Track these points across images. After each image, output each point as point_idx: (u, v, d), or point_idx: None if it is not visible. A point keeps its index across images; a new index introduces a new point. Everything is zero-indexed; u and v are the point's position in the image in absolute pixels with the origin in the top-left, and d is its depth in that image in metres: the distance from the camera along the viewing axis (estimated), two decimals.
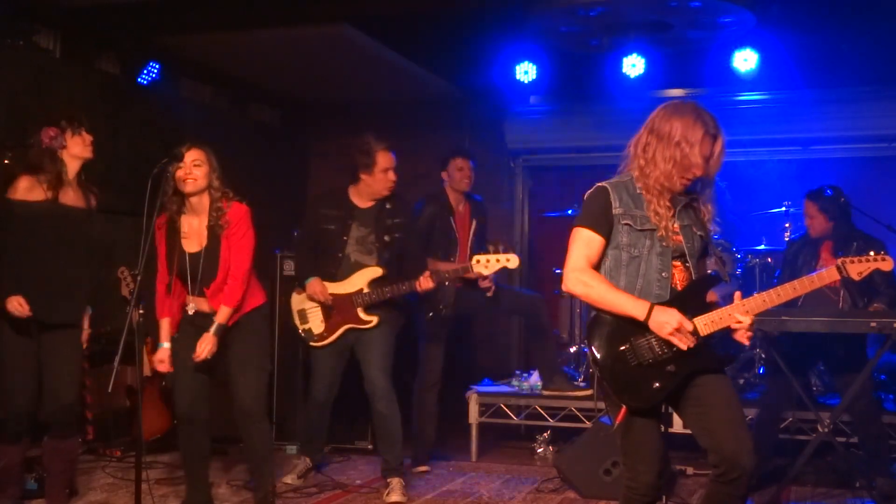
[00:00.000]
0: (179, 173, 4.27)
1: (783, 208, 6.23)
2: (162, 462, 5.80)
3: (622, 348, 3.13)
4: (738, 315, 3.13)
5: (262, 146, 8.05)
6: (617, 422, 3.16)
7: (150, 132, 6.68)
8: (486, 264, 4.96)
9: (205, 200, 4.36)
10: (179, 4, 6.13)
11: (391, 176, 5.17)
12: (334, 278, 5.16)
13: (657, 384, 3.12)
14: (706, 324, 3.13)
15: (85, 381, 5.95)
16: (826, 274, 3.36)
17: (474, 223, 6.04)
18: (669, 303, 3.15)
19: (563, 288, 3.24)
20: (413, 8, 6.24)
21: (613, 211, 3.19)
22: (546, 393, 6.15)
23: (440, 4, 6.24)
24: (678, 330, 3.06)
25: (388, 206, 5.23)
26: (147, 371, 5.98)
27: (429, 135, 8.34)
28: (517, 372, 6.64)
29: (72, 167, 4.40)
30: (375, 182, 5.16)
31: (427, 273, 5.06)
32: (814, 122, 7.39)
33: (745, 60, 6.89)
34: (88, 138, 4.43)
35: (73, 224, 4.40)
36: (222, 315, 4.35)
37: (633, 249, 3.19)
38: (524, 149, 8.37)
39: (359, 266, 5.15)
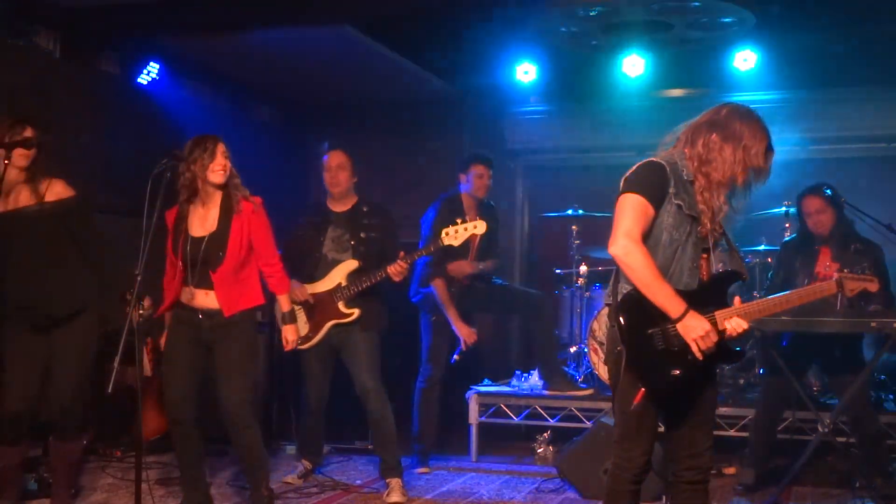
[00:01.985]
0: (212, 165, 4.33)
1: (783, 208, 6.22)
2: (162, 462, 5.80)
3: (651, 331, 3.15)
4: (739, 320, 3.17)
5: (263, 146, 8.05)
6: (635, 402, 3.18)
7: (150, 132, 6.68)
8: (455, 235, 4.91)
9: (219, 191, 4.42)
10: (179, 4, 6.12)
11: (334, 174, 5.25)
12: (313, 279, 5.20)
13: (677, 371, 3.15)
14: (726, 318, 3.17)
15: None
16: (826, 286, 3.57)
17: None
18: (696, 292, 3.19)
19: (611, 250, 3.15)
20: (413, 8, 6.24)
21: (669, 189, 3.19)
22: (548, 392, 6.15)
23: (440, 5, 6.23)
24: (700, 340, 3.09)
25: (364, 208, 5.32)
26: (147, 371, 5.98)
27: (429, 135, 8.34)
28: (517, 372, 6.64)
29: (12, 170, 4.28)
30: (328, 183, 5.29)
31: (400, 254, 5.06)
32: (814, 122, 7.38)
33: (745, 60, 6.90)
34: (27, 147, 4.27)
35: (24, 224, 4.31)
36: (284, 303, 4.72)
37: (674, 232, 3.19)
38: (524, 149, 8.37)
39: (335, 263, 5.21)
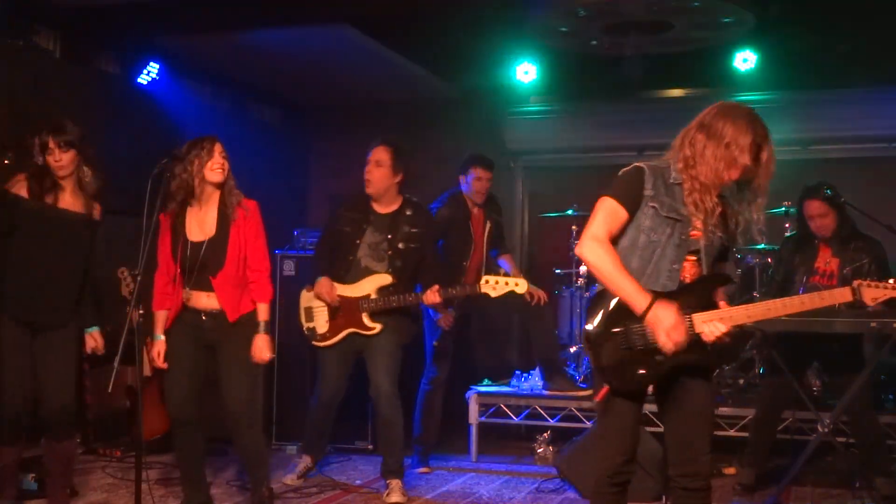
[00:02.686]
0: (210, 164, 4.32)
1: (783, 208, 6.22)
2: (162, 462, 5.80)
3: (616, 330, 3.16)
4: (717, 322, 3.13)
5: (263, 146, 8.06)
6: (597, 399, 3.21)
7: (150, 132, 6.68)
8: (495, 286, 4.84)
9: (216, 193, 4.41)
10: (179, 4, 6.13)
11: (370, 169, 5.16)
12: (343, 280, 5.14)
13: (642, 371, 3.15)
14: (704, 321, 3.14)
15: (84, 381, 5.96)
16: (839, 293, 3.32)
17: (489, 224, 6.04)
18: (675, 294, 3.16)
19: (577, 251, 3.22)
20: (413, 8, 6.24)
21: (644, 192, 3.19)
22: (548, 392, 6.14)
23: (440, 5, 6.24)
24: (669, 332, 3.06)
25: (407, 212, 5.20)
26: (147, 371, 5.97)
27: (429, 135, 8.34)
28: (517, 372, 6.64)
29: (59, 174, 4.34)
30: (364, 178, 5.20)
31: (435, 287, 4.99)
32: (814, 122, 7.38)
33: (745, 60, 6.92)
34: (57, 154, 4.29)
35: (64, 227, 4.35)
36: (263, 312, 4.44)
37: (652, 234, 3.19)
38: (524, 149, 8.37)
39: (368, 272, 5.11)
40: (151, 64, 6.85)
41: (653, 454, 4.91)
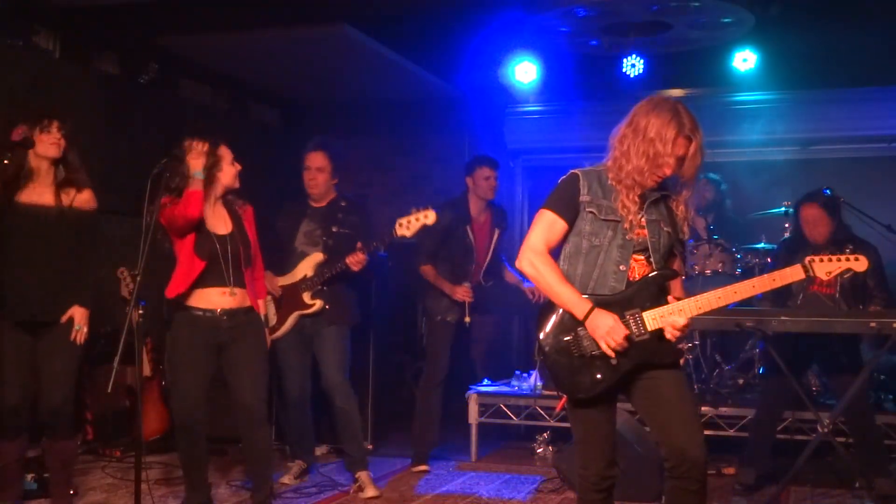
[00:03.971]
0: (232, 170, 4.40)
1: (783, 208, 6.23)
2: (161, 462, 5.80)
3: (566, 339, 3.17)
4: (676, 316, 3.13)
5: (262, 146, 8.06)
6: (556, 410, 3.22)
7: (150, 132, 6.68)
8: (408, 226, 4.94)
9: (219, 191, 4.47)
10: (179, 4, 6.13)
11: (313, 175, 5.31)
12: (284, 272, 5.27)
13: (598, 376, 3.15)
14: (654, 318, 3.14)
15: (82, 382, 5.96)
16: (790, 272, 3.24)
17: (496, 232, 6.02)
18: (623, 294, 3.17)
19: (516, 265, 3.27)
20: (413, 8, 6.25)
21: (581, 198, 3.21)
22: (545, 393, 6.14)
23: (440, 4, 6.24)
24: (606, 337, 3.08)
25: (342, 203, 5.37)
26: (147, 371, 5.99)
27: (429, 135, 8.36)
28: (517, 372, 6.64)
29: (39, 166, 4.33)
30: (305, 182, 5.35)
31: (358, 246, 5.07)
32: (814, 122, 7.39)
33: (745, 60, 6.92)
34: (55, 136, 4.31)
35: (38, 222, 4.31)
36: (262, 306, 4.61)
37: (594, 239, 3.20)
38: (524, 149, 8.38)
39: (304, 256, 5.27)
40: (151, 64, 6.85)
41: (652, 454, 4.91)
